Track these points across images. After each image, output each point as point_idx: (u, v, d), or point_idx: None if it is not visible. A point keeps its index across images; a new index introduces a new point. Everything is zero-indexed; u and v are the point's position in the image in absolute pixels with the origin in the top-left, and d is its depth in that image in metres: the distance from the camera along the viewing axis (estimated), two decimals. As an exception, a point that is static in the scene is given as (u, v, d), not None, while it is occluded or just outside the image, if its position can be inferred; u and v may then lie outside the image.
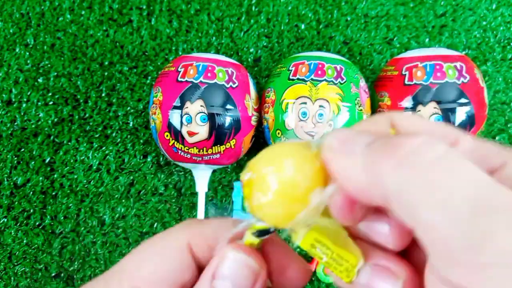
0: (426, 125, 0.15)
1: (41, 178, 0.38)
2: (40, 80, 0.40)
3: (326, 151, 0.14)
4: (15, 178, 0.39)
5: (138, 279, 0.16)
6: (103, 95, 0.40)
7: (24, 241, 0.38)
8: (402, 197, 0.12)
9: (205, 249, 0.17)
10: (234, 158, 0.34)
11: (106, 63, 0.40)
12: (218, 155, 0.33)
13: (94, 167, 0.38)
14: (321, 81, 0.31)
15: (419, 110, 0.31)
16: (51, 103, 0.40)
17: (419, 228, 0.11)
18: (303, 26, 0.41)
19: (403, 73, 0.32)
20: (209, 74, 0.32)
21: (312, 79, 0.31)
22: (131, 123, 0.39)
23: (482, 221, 0.10)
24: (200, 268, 0.17)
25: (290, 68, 0.32)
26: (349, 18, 0.41)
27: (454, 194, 0.11)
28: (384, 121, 0.15)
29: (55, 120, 0.39)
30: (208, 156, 0.33)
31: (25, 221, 0.38)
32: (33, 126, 0.39)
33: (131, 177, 0.38)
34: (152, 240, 0.17)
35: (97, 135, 0.39)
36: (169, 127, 0.32)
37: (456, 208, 0.11)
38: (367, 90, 0.34)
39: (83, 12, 0.41)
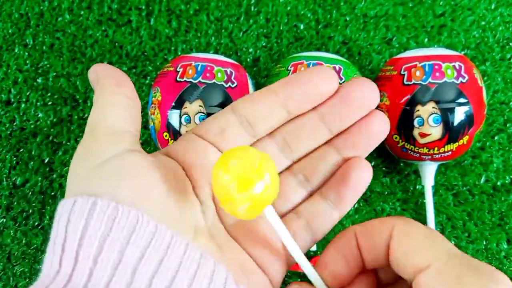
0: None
1: (40, 178, 0.38)
2: (39, 80, 0.40)
3: None
4: (14, 179, 0.39)
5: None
6: (102, 95, 0.40)
7: (23, 242, 0.38)
8: None
9: None
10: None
11: (105, 63, 0.40)
12: (217, 155, 0.33)
13: (93, 167, 0.38)
14: (320, 81, 0.31)
15: (418, 110, 0.31)
16: (50, 103, 0.40)
17: None
18: (302, 26, 0.41)
19: (402, 72, 0.32)
20: (208, 74, 0.32)
21: (311, 79, 0.31)
22: (130, 123, 0.39)
23: None
24: None
25: (289, 68, 0.32)
26: (348, 18, 0.41)
27: None
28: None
29: (54, 120, 0.39)
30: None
31: (24, 222, 0.38)
32: (32, 126, 0.39)
33: (130, 177, 0.38)
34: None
35: (96, 135, 0.39)
36: (168, 127, 0.32)
37: None
38: (366, 90, 0.34)
39: (82, 12, 0.41)
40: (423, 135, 0.31)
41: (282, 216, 0.22)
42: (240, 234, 0.21)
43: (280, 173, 0.22)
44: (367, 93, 0.21)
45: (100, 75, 0.21)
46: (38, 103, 0.40)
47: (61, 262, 0.16)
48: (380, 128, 0.21)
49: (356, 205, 0.37)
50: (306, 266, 0.20)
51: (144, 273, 0.16)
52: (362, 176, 0.21)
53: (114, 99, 0.20)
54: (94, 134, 0.19)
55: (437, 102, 0.31)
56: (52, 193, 0.38)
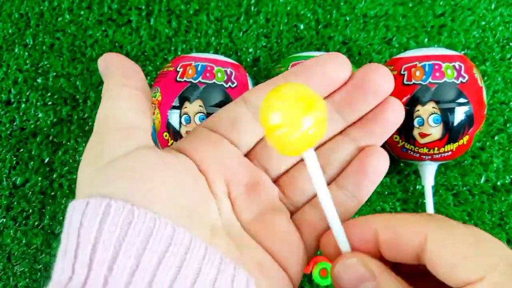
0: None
1: (40, 178, 0.38)
2: (39, 80, 0.40)
3: None
4: (14, 178, 0.39)
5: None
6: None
7: (23, 241, 0.38)
8: None
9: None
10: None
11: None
12: (217, 155, 0.33)
13: (93, 167, 0.38)
14: (320, 81, 0.31)
15: (418, 110, 0.31)
16: (50, 103, 0.40)
17: None
18: (302, 26, 0.41)
19: (402, 72, 0.32)
20: (208, 74, 0.32)
21: (311, 79, 0.31)
22: (130, 123, 0.39)
23: None
24: None
25: (289, 69, 0.32)
26: (348, 18, 0.41)
27: None
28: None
29: (54, 120, 0.39)
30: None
31: (24, 221, 0.38)
32: (32, 126, 0.39)
33: (130, 177, 0.38)
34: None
35: (96, 135, 0.39)
36: (168, 127, 0.32)
37: None
38: (366, 90, 0.34)
39: (82, 13, 0.41)
40: (423, 135, 0.31)
41: (299, 208, 0.21)
42: (257, 230, 0.20)
43: (295, 164, 0.22)
44: (381, 79, 0.20)
45: (109, 66, 0.19)
46: (38, 103, 0.40)
47: (74, 269, 0.15)
48: (396, 116, 0.20)
49: (356, 205, 0.37)
50: (335, 223, 0.18)
51: (162, 280, 0.15)
52: (380, 164, 0.20)
53: (122, 92, 0.19)
54: (103, 130, 0.18)
55: (437, 102, 0.31)
56: (52, 193, 0.38)
